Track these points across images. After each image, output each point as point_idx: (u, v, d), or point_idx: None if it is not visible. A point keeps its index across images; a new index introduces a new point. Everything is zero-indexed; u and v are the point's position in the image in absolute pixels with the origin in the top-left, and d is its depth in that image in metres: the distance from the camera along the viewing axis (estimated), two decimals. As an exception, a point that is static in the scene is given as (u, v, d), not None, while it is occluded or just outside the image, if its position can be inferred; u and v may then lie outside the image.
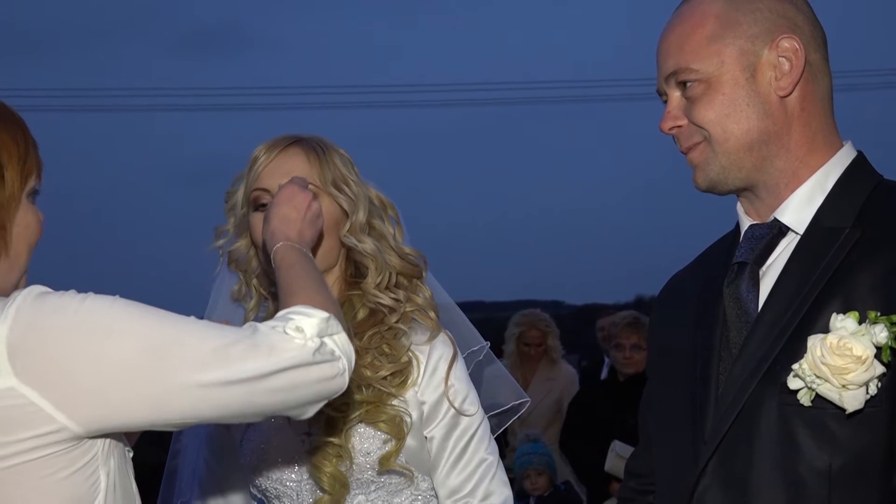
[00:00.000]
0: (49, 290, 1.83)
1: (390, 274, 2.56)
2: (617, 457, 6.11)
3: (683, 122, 2.11)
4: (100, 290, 1.85)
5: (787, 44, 2.06)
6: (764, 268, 2.10)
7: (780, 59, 2.06)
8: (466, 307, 2.83)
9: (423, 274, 2.62)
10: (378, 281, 2.55)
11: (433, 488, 2.55)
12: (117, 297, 1.84)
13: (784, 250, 2.08)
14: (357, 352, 2.48)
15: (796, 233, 2.07)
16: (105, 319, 1.80)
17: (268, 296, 2.64)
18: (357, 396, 2.45)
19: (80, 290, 1.84)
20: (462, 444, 2.53)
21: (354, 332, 2.50)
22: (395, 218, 2.64)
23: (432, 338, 2.56)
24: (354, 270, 2.60)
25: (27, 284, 1.93)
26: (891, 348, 1.84)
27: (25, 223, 1.89)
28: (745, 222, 2.15)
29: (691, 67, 2.07)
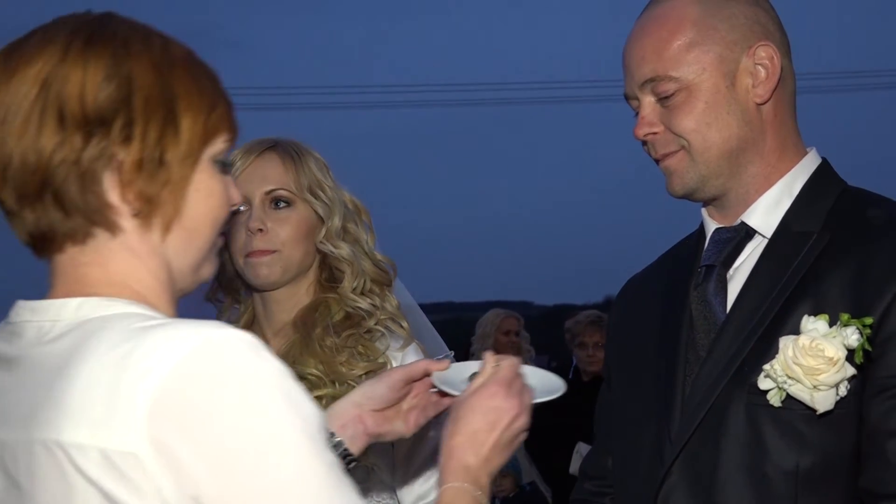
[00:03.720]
0: (256, 343, 1.40)
1: (365, 280, 2.59)
2: (581, 458, 6.13)
3: (659, 128, 2.09)
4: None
5: (764, 52, 2.06)
6: (731, 271, 2.11)
7: (757, 66, 2.06)
8: (436, 308, 2.86)
9: (392, 282, 2.64)
10: (354, 286, 2.57)
11: (394, 496, 2.55)
12: (316, 438, 1.40)
13: (751, 254, 2.10)
14: (335, 349, 2.51)
15: (763, 236, 2.09)
16: (284, 448, 1.37)
17: (240, 300, 2.67)
18: (329, 391, 2.46)
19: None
20: (430, 451, 2.54)
21: (333, 330, 2.52)
22: (368, 223, 2.66)
23: (405, 345, 2.57)
24: (329, 275, 2.62)
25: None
26: (864, 350, 1.87)
27: (208, 190, 1.53)
28: (711, 225, 2.16)
29: (671, 75, 2.06)
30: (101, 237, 1.48)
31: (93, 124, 1.44)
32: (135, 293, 1.48)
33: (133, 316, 1.43)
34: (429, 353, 2.62)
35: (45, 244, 1.50)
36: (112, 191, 1.46)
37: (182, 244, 1.53)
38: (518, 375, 1.89)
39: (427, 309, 3.13)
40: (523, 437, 1.87)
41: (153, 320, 1.42)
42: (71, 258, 1.49)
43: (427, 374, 2.03)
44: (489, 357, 1.90)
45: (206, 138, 1.52)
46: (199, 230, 1.54)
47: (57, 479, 1.37)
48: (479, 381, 1.87)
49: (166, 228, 1.50)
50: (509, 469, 6.80)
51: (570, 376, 7.73)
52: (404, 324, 2.59)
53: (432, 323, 2.94)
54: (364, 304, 2.56)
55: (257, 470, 1.34)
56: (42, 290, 1.53)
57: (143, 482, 1.33)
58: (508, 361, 1.89)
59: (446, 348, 2.77)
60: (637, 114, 2.14)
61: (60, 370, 1.39)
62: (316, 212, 2.56)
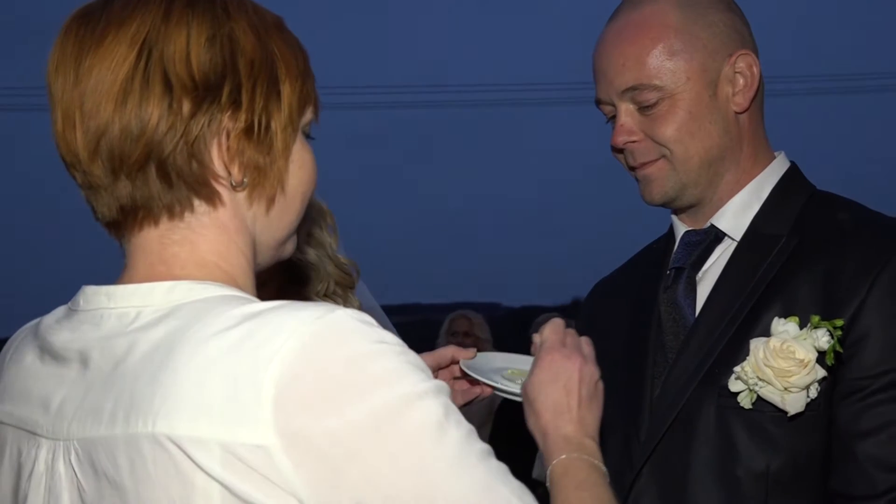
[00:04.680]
0: (371, 321, 1.33)
1: (329, 283, 2.58)
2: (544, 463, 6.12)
3: (639, 136, 2.06)
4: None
5: (743, 61, 2.05)
6: (700, 273, 2.11)
7: (736, 74, 2.05)
8: (404, 309, 2.86)
9: (355, 285, 2.63)
10: (317, 290, 2.56)
11: None
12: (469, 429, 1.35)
13: (721, 256, 2.10)
14: None
15: (733, 239, 2.09)
16: (427, 438, 1.28)
17: None
18: None
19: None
20: None
21: None
22: (333, 225, 2.65)
23: None
24: (292, 276, 2.60)
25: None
26: (835, 352, 1.87)
27: (301, 162, 1.43)
28: (680, 228, 2.16)
29: (654, 84, 2.02)
30: (198, 211, 1.38)
31: (201, 89, 1.34)
32: (225, 274, 1.39)
33: (232, 299, 1.33)
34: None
35: (134, 218, 1.38)
36: (217, 160, 1.37)
37: (276, 218, 1.44)
38: (565, 333, 1.80)
39: (394, 310, 3.13)
40: (601, 384, 1.78)
41: (254, 303, 1.32)
42: (160, 236, 1.39)
43: (454, 362, 1.98)
44: (535, 337, 1.84)
45: (301, 107, 1.42)
46: (292, 203, 1.45)
47: (171, 475, 1.27)
48: (532, 360, 1.81)
49: (271, 201, 1.41)
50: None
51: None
52: None
53: (400, 324, 2.94)
54: None
55: (397, 448, 1.26)
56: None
57: (274, 476, 1.24)
58: (549, 326, 1.81)
59: None
60: (609, 119, 2.11)
61: (163, 359, 1.29)
62: None
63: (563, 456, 1.70)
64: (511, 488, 1.35)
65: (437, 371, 1.99)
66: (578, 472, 1.68)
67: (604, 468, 1.69)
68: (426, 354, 1.98)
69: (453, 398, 2.00)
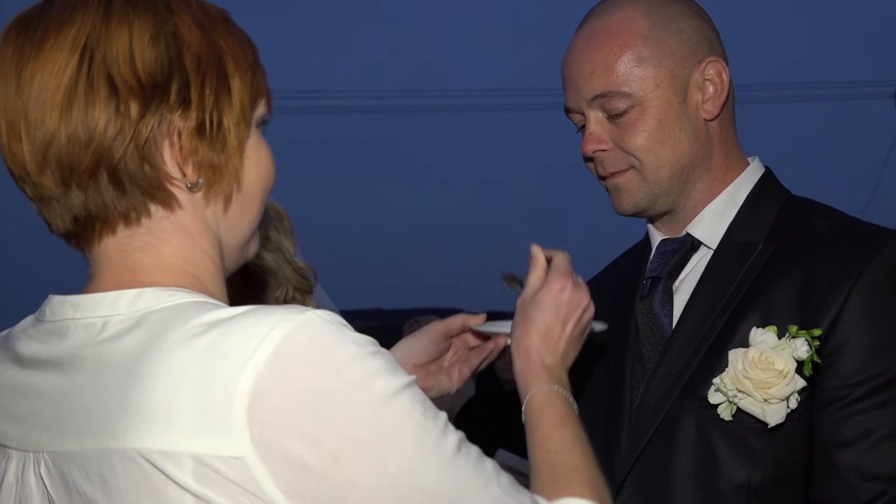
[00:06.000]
0: (341, 321, 1.31)
1: (288, 288, 2.56)
2: (502, 465, 6.12)
3: (608, 145, 2.03)
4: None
5: (713, 68, 2.03)
6: (677, 282, 2.09)
7: (706, 82, 2.03)
8: (365, 314, 2.83)
9: (313, 289, 2.61)
10: (276, 295, 2.54)
11: None
12: (437, 415, 1.34)
13: (697, 265, 2.08)
14: None
15: (709, 247, 2.07)
16: (401, 437, 1.28)
17: None
18: None
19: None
20: None
21: None
22: (290, 229, 2.63)
23: None
24: (250, 281, 2.58)
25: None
26: (813, 362, 1.86)
27: (258, 157, 1.39)
28: (656, 237, 2.14)
29: (623, 91, 2.00)
30: (156, 216, 1.34)
31: (148, 89, 1.30)
32: (193, 278, 1.36)
33: (200, 305, 1.30)
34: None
35: (91, 229, 1.35)
36: (170, 162, 1.33)
37: (238, 215, 1.40)
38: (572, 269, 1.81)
39: (356, 315, 3.12)
40: (587, 332, 1.80)
41: (223, 309, 1.29)
42: (120, 244, 1.35)
43: (464, 330, 1.98)
44: (537, 250, 1.82)
45: (253, 100, 1.39)
46: (251, 200, 1.41)
47: (143, 490, 1.24)
48: (536, 276, 1.80)
49: (227, 200, 1.38)
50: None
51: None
52: None
53: (361, 330, 2.91)
54: None
55: (378, 450, 1.24)
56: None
57: (251, 486, 1.21)
58: (563, 254, 1.81)
59: None
60: (580, 128, 2.08)
61: (132, 371, 1.25)
62: None
63: (545, 387, 1.69)
64: (486, 475, 1.37)
65: (447, 339, 1.98)
66: (560, 408, 1.67)
67: (576, 406, 1.69)
68: (437, 322, 1.99)
69: (470, 360, 1.97)
